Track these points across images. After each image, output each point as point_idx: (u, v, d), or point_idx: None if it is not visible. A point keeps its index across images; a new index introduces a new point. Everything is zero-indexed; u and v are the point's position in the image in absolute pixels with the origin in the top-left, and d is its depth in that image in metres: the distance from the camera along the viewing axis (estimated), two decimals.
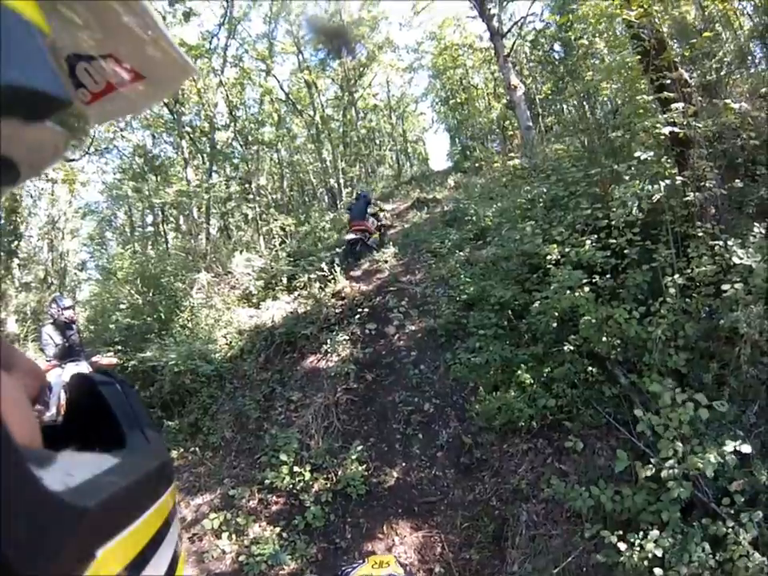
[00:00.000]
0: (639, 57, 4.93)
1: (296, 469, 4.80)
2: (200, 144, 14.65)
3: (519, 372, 4.51)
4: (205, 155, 14.55)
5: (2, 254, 10.74)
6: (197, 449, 5.71)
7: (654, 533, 2.86)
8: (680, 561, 2.78)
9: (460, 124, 21.04)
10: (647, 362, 3.81)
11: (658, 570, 2.78)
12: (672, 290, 3.90)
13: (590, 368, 4.23)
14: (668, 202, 4.33)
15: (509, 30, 12.63)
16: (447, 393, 5.25)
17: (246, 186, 14.97)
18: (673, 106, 4.35)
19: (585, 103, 8.41)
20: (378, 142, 23.75)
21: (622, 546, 2.90)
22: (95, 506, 0.30)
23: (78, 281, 17.16)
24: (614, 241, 4.32)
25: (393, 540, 4.08)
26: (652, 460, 3.12)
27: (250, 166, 14.90)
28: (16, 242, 11.09)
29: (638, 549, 2.85)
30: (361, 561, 1.13)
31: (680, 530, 2.91)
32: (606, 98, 8.83)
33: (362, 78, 19.28)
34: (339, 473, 4.72)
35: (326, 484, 4.68)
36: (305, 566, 4.07)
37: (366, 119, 21.41)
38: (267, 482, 4.81)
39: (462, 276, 6.48)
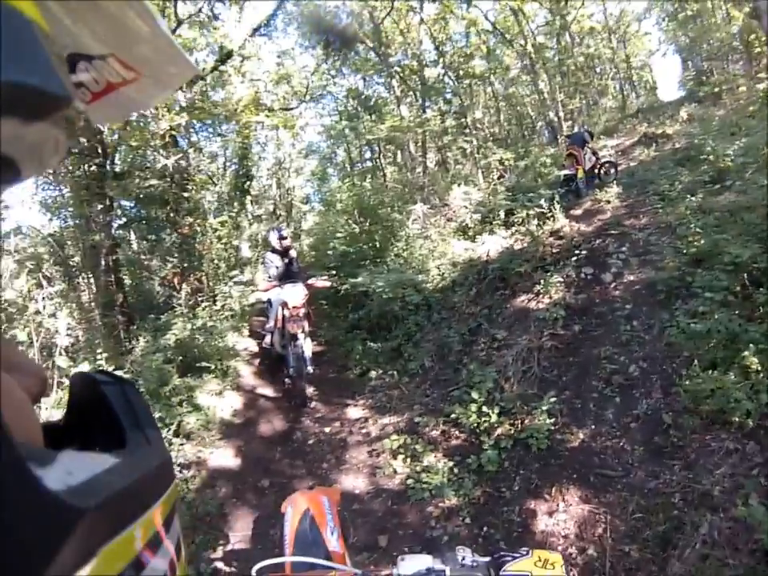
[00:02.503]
0: None
1: (484, 409, 4.79)
2: (411, 82, 14.84)
3: (746, 353, 3.70)
4: (417, 92, 14.73)
5: (237, 192, 12.44)
6: (395, 372, 6.11)
7: None
8: None
9: (693, 43, 17.84)
10: None
11: None
12: None
13: None
14: None
15: None
16: (657, 358, 4.65)
17: (462, 120, 14.89)
18: None
19: None
20: (598, 70, 21.62)
21: None
22: (95, 506, 0.30)
23: (302, 212, 19.26)
24: None
25: (557, 505, 3.84)
26: None
27: (463, 99, 14.72)
28: (248, 183, 12.71)
29: None
30: (525, 551, 1.01)
31: None
32: None
33: None
34: (526, 421, 4.60)
35: (510, 430, 4.60)
36: (465, 504, 4.08)
37: (582, 45, 19.46)
38: (453, 416, 4.92)
39: (692, 225, 5.64)
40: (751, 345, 3.77)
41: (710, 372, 3.83)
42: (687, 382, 3.99)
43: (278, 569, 1.24)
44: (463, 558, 1.01)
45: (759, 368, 3.60)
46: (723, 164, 6.75)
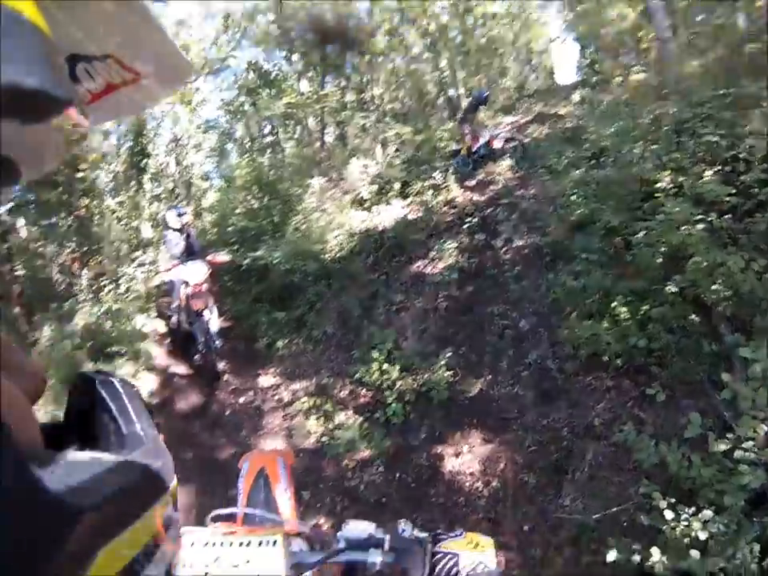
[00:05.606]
0: None
1: (385, 366, 5.04)
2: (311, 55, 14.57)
3: (615, 304, 4.20)
4: (317, 67, 14.50)
5: (134, 171, 11.70)
6: (300, 341, 6.24)
7: (707, 513, 2.55)
8: (722, 553, 2.45)
9: (589, 33, 19.00)
10: (759, 324, 3.27)
11: (694, 553, 2.49)
12: None
13: (693, 316, 3.76)
14: None
15: None
16: (545, 313, 5.15)
17: (362, 95, 14.86)
18: None
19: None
20: (500, 52, 22.23)
21: (669, 514, 2.64)
22: (95, 505, 0.31)
23: (202, 190, 18.38)
24: (745, 177, 3.68)
25: (462, 448, 4.25)
26: (729, 435, 2.72)
27: (363, 75, 14.70)
28: (145, 161, 11.93)
29: (685, 524, 2.58)
30: (460, 533, 1.08)
31: (736, 520, 2.54)
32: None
33: None
34: (426, 376, 4.89)
35: (413, 385, 4.88)
36: (376, 455, 4.42)
37: (486, 27, 20.01)
38: (358, 376, 5.17)
39: (573, 196, 6.10)
40: (620, 297, 4.26)
41: (587, 322, 4.30)
42: (567, 332, 4.48)
43: (231, 519, 1.26)
44: (403, 531, 1.07)
45: (627, 316, 4.09)
46: (603, 143, 7.18)
